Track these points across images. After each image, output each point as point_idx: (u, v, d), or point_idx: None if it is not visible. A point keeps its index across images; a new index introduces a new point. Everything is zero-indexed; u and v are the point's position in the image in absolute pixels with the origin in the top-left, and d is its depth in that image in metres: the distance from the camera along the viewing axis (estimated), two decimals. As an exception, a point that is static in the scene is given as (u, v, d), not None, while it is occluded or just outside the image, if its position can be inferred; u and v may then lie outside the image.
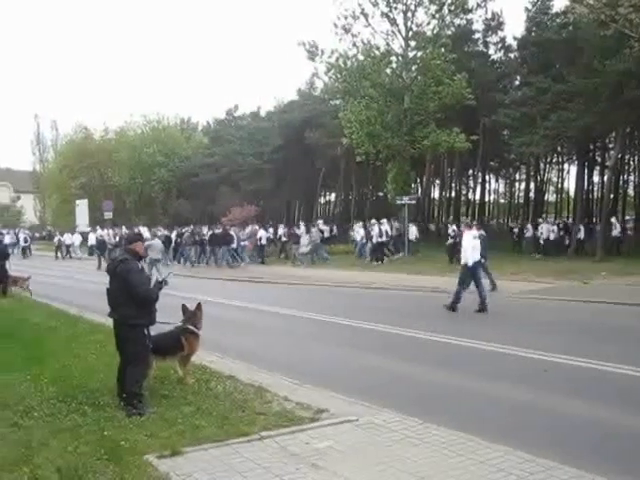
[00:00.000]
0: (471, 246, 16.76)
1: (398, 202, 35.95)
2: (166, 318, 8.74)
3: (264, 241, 37.42)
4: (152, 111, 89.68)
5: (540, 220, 38.60)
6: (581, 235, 34.27)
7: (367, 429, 7.03)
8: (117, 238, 39.25)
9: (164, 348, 8.58)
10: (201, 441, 6.56)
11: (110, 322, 8.20)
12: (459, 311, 16.21)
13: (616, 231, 32.49)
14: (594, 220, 43.60)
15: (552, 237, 34.38)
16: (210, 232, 36.21)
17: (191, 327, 8.93)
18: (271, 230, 40.80)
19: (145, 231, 35.57)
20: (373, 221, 34.69)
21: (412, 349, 12.10)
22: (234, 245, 35.08)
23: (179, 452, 6.25)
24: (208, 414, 7.43)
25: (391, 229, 34.43)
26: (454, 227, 33.93)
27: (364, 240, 34.37)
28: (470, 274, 16.63)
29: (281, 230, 38.92)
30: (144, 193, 70.94)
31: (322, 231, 37.44)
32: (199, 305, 9.19)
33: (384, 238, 32.67)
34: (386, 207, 45.56)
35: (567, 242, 35.44)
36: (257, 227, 39.14)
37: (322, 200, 71.75)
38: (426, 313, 17.00)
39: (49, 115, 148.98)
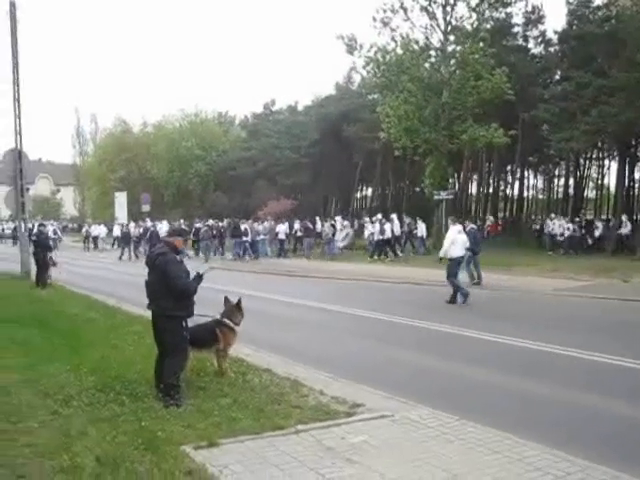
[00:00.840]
0: (451, 240, 17.71)
1: (435, 197, 35.83)
2: (204, 311, 8.82)
3: (282, 236, 37.72)
4: (190, 105, 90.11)
5: (552, 216, 38.12)
6: (626, 231, 33.41)
7: (402, 424, 7.04)
8: (141, 230, 40.22)
9: (200, 340, 8.64)
10: (237, 433, 6.62)
11: (148, 314, 8.28)
12: (495, 307, 16.14)
13: (626, 229, 31.83)
14: (635, 217, 42.81)
15: (567, 234, 33.52)
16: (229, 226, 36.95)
17: (226, 320, 8.99)
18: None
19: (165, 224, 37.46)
20: (378, 217, 34.51)
21: (445, 345, 12.08)
22: (246, 239, 35.86)
23: (215, 443, 6.30)
24: (244, 407, 7.49)
25: (401, 226, 34.29)
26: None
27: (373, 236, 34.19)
28: (453, 267, 17.50)
29: (296, 225, 38.80)
30: (181, 186, 71.36)
31: (333, 226, 37.31)
32: (239, 300, 9.23)
33: (386, 235, 32.38)
34: (423, 202, 45.36)
35: (589, 240, 34.58)
36: (273, 222, 39.68)
37: (359, 195, 71.58)
38: (459, 309, 16.86)
39: (89, 109, 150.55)
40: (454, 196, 40.43)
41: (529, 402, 8.26)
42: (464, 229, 19.09)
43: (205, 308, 8.84)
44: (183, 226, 36.97)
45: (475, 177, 60.37)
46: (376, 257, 32.32)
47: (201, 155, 69.92)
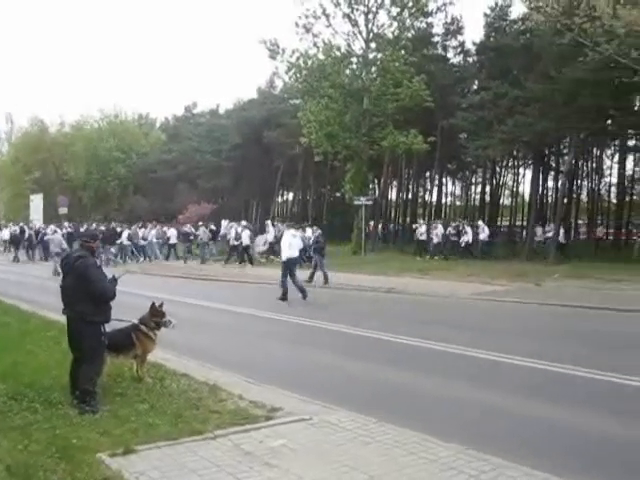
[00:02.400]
0: (288, 244, 19.40)
1: (355, 202, 36.17)
2: (122, 316, 8.71)
3: (173, 240, 38.14)
4: (109, 105, 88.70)
5: (434, 221, 39.37)
6: (483, 236, 34.61)
7: (321, 428, 7.06)
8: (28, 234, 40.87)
9: (118, 345, 8.50)
10: (154, 439, 6.53)
11: (64, 319, 8.10)
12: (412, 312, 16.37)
13: (541, 237, 32.87)
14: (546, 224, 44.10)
15: (435, 240, 34.80)
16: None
17: (142, 326, 8.87)
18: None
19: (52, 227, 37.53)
20: (242, 223, 35.25)
21: (366, 348, 12.18)
22: (128, 243, 36.87)
23: (132, 450, 6.20)
24: (162, 412, 7.41)
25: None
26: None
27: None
28: (287, 267, 19.05)
29: (201, 230, 38.48)
30: (100, 189, 70.21)
31: (212, 231, 37.81)
32: (153, 304, 9.13)
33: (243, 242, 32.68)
34: (344, 207, 45.74)
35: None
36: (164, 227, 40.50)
37: (280, 199, 71.69)
38: (383, 313, 17.17)
39: (4, 108, 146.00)
40: (374, 201, 40.86)
41: (441, 401, 8.43)
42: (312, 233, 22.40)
43: (123, 313, 8.71)
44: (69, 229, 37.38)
45: (395, 183, 61.13)
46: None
47: (121, 157, 68.99)
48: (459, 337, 12.35)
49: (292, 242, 19.58)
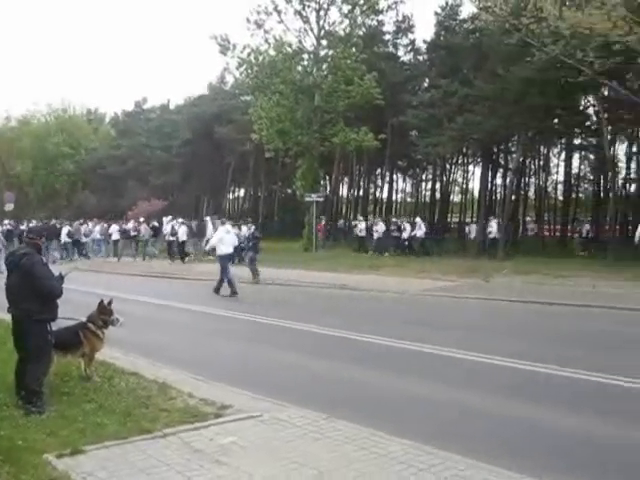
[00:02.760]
0: (220, 239, 20.15)
1: (306, 199, 36.24)
2: (70, 314, 8.60)
3: (116, 236, 37.65)
4: (57, 99, 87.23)
5: (371, 218, 39.92)
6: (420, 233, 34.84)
7: (271, 424, 7.06)
8: None
9: (65, 344, 8.36)
10: (103, 439, 6.45)
11: (9, 317, 7.96)
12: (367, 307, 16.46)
13: (493, 233, 33.31)
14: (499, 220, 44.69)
15: (375, 235, 35.33)
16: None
17: (90, 324, 8.76)
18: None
19: None
20: (179, 220, 34.88)
21: (315, 344, 12.23)
22: (63, 239, 36.29)
23: (80, 451, 6.12)
24: (110, 411, 7.32)
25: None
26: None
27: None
28: (220, 263, 19.77)
29: (143, 227, 38.03)
30: (48, 185, 69.05)
31: (153, 228, 37.52)
32: (100, 302, 9.01)
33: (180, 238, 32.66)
34: (295, 203, 45.76)
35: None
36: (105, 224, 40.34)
37: (231, 196, 71.42)
38: (336, 310, 17.24)
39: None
40: (325, 198, 40.96)
41: (388, 396, 8.49)
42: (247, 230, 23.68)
43: (71, 311, 8.60)
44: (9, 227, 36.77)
45: (346, 180, 61.37)
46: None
47: (69, 153, 67.90)
48: (414, 333, 12.45)
49: (224, 238, 20.15)
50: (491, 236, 33.10)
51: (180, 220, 34.72)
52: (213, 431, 6.81)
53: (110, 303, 9.03)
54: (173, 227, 33.16)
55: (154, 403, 7.71)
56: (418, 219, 36.01)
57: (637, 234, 26.43)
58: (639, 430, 7.12)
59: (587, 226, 39.62)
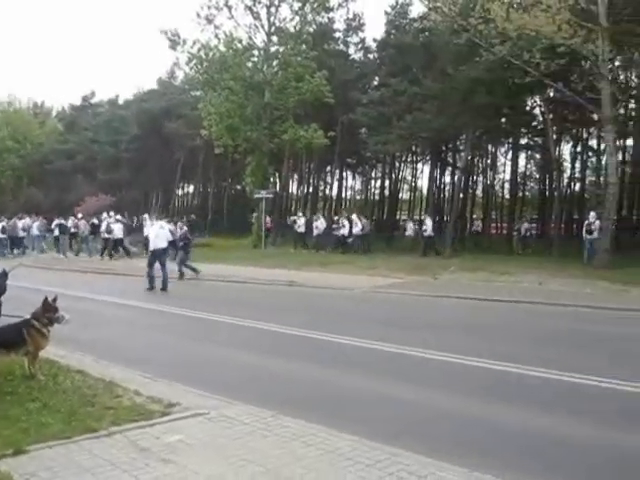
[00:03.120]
0: (155, 235, 20.76)
1: (256, 196, 36.16)
2: (11, 311, 8.45)
3: (35, 231, 37.45)
4: (2, 93, 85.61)
5: (316, 215, 40.07)
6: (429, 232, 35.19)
7: (218, 422, 7.03)
8: None
9: (8, 342, 8.20)
10: (47, 439, 6.33)
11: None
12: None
13: (428, 231, 33.55)
14: (445, 218, 45.16)
15: (315, 232, 35.75)
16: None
17: (34, 322, 8.60)
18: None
19: None
20: (117, 217, 34.94)
21: (266, 342, 12.19)
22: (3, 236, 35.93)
23: (22, 451, 5.99)
24: (55, 411, 7.19)
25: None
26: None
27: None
28: (153, 258, 20.32)
29: (81, 223, 37.62)
30: (-8, 180, 67.63)
31: (93, 225, 37.25)
32: (45, 299, 8.85)
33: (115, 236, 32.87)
34: (245, 200, 45.67)
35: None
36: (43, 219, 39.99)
37: (180, 192, 70.91)
38: (285, 307, 17.32)
39: None
40: (274, 195, 40.91)
41: (335, 392, 8.53)
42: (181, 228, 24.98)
43: (15, 308, 8.46)
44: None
45: (296, 177, 61.42)
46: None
47: (14, 147, 66.53)
48: (367, 331, 12.52)
49: (159, 233, 20.70)
50: (426, 234, 33.23)
51: (116, 217, 34.45)
52: (160, 429, 6.74)
53: (55, 300, 8.86)
54: (109, 224, 32.99)
55: (100, 401, 7.59)
56: (354, 216, 36.10)
57: (584, 231, 27.13)
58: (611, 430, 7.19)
59: (526, 225, 40.22)
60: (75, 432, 6.52)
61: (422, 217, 37.33)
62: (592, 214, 27.25)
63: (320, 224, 35.46)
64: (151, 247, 20.93)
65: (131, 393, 7.92)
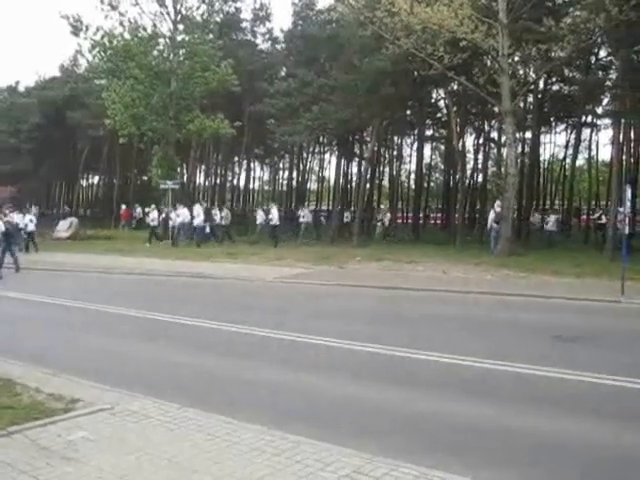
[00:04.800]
0: None
1: (162, 186, 35.63)
2: None
3: None
4: None
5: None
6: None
7: (123, 417, 6.94)
8: None
9: None
10: (-60, 441, 6.15)
11: None
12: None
13: (274, 220, 33.48)
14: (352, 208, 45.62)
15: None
16: None
17: None
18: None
19: None
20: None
21: (177, 335, 12.12)
22: None
23: None
24: (-52, 411, 6.97)
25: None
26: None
27: None
28: None
29: None
30: None
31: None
32: None
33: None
34: (151, 191, 45.07)
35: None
36: None
37: (85, 183, 69.30)
38: (191, 298, 17.27)
39: None
40: (181, 185, 40.43)
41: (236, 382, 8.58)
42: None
43: None
44: None
45: (203, 167, 60.93)
46: None
47: None
48: (269, 320, 12.63)
49: None
50: (272, 223, 33.31)
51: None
52: (62, 427, 6.61)
53: None
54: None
55: (-3, 400, 7.40)
56: (213, 208, 36.60)
57: (489, 220, 27.79)
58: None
59: (388, 215, 40.55)
60: (-29, 433, 6.33)
61: (269, 206, 37.14)
62: (497, 202, 27.87)
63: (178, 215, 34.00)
64: None
65: (31, 391, 7.73)
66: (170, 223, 34.11)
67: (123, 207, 49.00)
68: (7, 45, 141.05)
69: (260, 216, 36.49)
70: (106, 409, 7.14)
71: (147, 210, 39.59)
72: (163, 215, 35.51)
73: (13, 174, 57.77)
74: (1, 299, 16.84)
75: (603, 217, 31.48)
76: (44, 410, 7.06)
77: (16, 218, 30.85)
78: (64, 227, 37.62)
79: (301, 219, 38.13)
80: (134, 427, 6.66)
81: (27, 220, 31.15)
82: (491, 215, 27.96)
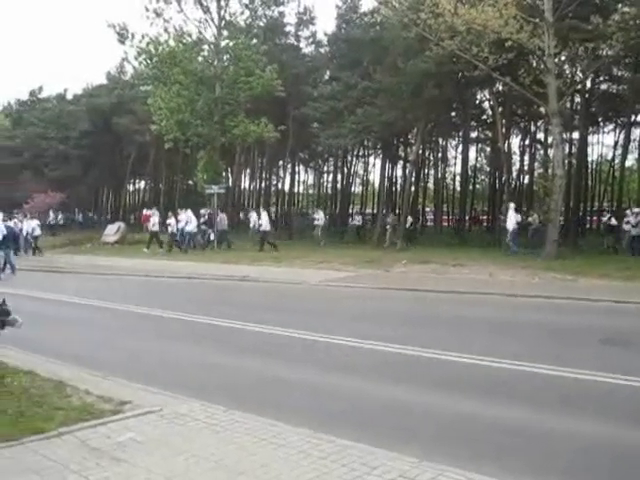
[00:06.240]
0: None
1: (207, 191, 35.85)
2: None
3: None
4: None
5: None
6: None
7: (171, 419, 6.99)
8: None
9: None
10: (-8, 441, 6.25)
11: None
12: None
13: (263, 225, 33.05)
14: (397, 211, 45.45)
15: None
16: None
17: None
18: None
19: None
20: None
21: (222, 337, 12.17)
22: None
23: (-33, 454, 5.92)
24: (2, 412, 7.05)
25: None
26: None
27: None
28: None
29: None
30: None
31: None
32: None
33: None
34: (196, 196, 45.40)
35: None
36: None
37: (131, 188, 70.20)
38: (238, 301, 17.32)
39: None
40: (226, 190, 40.70)
41: (286, 387, 8.57)
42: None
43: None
44: None
45: (248, 171, 61.25)
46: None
47: (-42, 143, 64.96)
48: (314, 324, 12.57)
49: None
50: (262, 228, 32.88)
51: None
52: (111, 428, 6.68)
53: (4, 303, 8.60)
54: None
55: (49, 402, 7.48)
56: (253, 213, 36.38)
57: (510, 222, 27.55)
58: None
59: (410, 218, 39.99)
60: (23, 434, 6.40)
61: (260, 211, 36.89)
62: (512, 205, 27.68)
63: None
64: None
65: (81, 393, 7.82)
66: (169, 229, 34.06)
67: (145, 211, 47.62)
68: (56, 54, 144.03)
69: (253, 220, 36.30)
70: (154, 411, 7.20)
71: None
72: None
73: (63, 180, 58.77)
74: (51, 302, 17.15)
75: (613, 219, 30.86)
76: (94, 412, 7.13)
77: (25, 224, 31.96)
78: (112, 231, 38.13)
79: (316, 222, 37.95)
80: (181, 429, 6.69)
81: (34, 224, 32.19)
82: (510, 216, 27.73)
